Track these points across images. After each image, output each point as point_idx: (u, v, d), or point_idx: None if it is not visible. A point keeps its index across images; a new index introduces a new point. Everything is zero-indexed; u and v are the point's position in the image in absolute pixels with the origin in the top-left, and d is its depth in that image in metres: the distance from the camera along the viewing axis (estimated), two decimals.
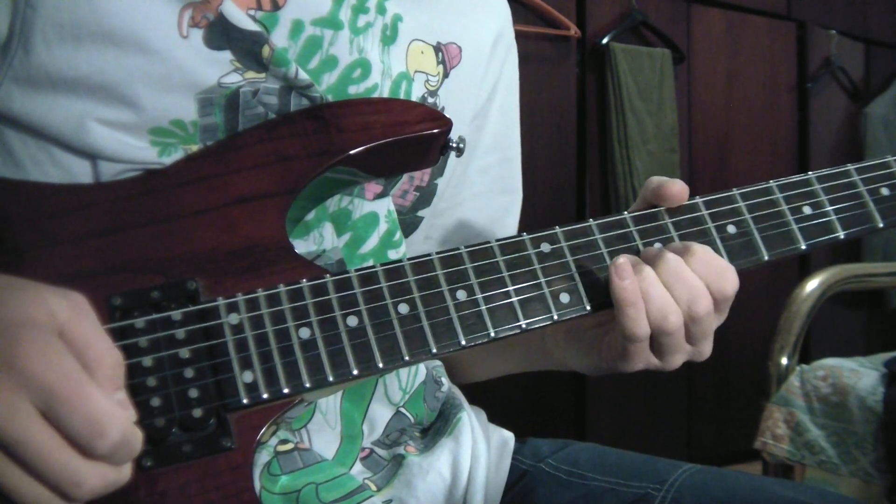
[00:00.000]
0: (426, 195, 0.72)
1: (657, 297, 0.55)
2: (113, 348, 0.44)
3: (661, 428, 2.83)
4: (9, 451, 0.40)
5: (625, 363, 0.58)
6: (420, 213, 0.73)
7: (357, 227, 0.65)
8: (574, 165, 2.63)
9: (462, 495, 0.68)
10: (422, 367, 0.72)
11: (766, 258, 0.60)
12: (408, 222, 0.72)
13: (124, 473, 0.44)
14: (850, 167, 0.64)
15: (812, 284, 1.74)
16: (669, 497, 0.65)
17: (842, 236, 0.62)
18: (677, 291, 0.55)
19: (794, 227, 0.61)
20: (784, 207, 0.61)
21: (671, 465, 0.69)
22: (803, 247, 0.61)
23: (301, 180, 0.56)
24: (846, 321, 3.29)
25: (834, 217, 0.62)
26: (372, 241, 0.66)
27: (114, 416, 0.41)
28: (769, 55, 3.08)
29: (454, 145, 0.61)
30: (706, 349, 0.59)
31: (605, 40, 2.59)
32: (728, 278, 0.57)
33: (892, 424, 1.56)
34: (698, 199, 0.61)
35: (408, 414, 0.70)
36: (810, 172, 0.63)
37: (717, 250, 0.59)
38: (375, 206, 0.66)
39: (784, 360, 1.73)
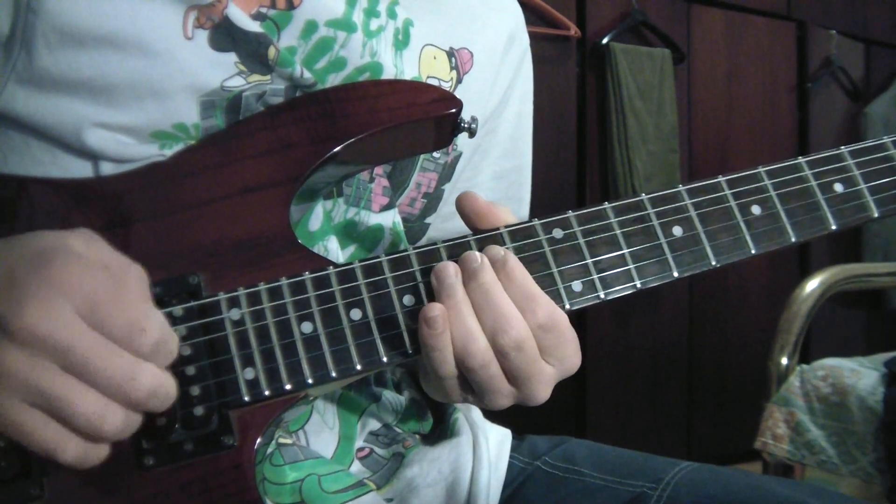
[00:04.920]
0: (434, 201, 0.71)
1: (461, 330, 0.50)
2: (132, 263, 0.46)
3: (661, 428, 2.83)
4: (61, 358, 0.41)
5: (442, 396, 0.54)
6: (428, 220, 0.72)
7: (362, 240, 0.65)
8: (574, 165, 2.63)
9: (465, 495, 0.68)
10: None
11: (794, 240, 0.56)
12: (416, 230, 0.72)
13: (171, 381, 0.45)
14: (887, 139, 0.59)
15: (812, 284, 1.74)
16: (665, 496, 0.65)
17: (876, 215, 0.57)
18: (483, 317, 0.50)
19: (825, 206, 0.57)
20: (813, 184, 0.57)
21: (668, 463, 0.69)
22: (834, 228, 0.57)
23: (305, 168, 0.55)
24: (846, 321, 3.29)
25: (869, 196, 0.58)
26: (377, 254, 0.65)
27: (151, 315, 0.44)
28: (769, 55, 3.08)
29: (466, 125, 0.59)
30: (536, 394, 0.53)
31: (605, 40, 2.59)
32: (536, 309, 0.51)
33: (892, 424, 1.56)
34: (721, 178, 0.57)
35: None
36: (842, 147, 0.59)
37: (740, 233, 0.56)
38: (381, 219, 0.66)
39: (784, 360, 1.73)
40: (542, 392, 0.53)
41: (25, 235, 0.45)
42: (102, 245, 0.46)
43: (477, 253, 0.52)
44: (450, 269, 0.51)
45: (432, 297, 0.52)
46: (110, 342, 0.42)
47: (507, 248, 0.53)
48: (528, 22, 0.80)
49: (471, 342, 0.50)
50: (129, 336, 0.42)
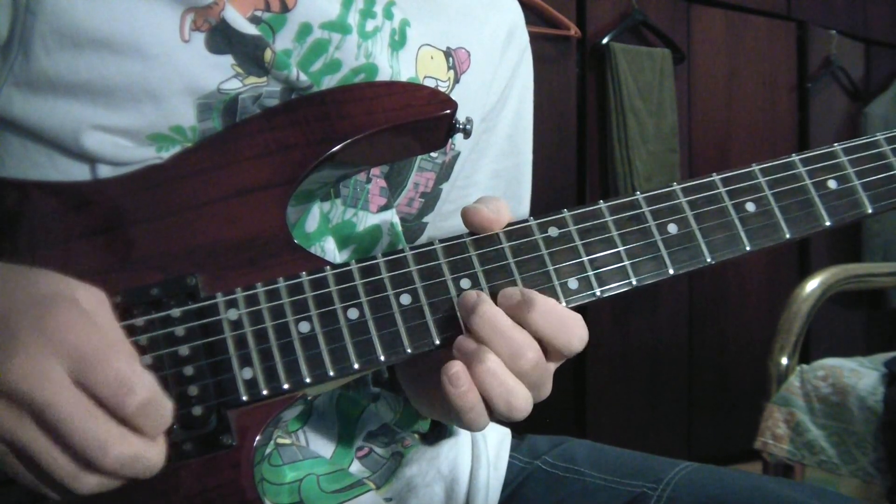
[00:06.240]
0: (432, 200, 0.71)
1: (495, 387, 0.50)
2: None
3: (661, 428, 2.83)
4: (38, 416, 0.41)
5: (458, 424, 0.54)
6: (426, 219, 0.72)
7: (360, 241, 0.65)
8: (574, 165, 2.63)
9: (464, 494, 0.68)
10: None
11: (789, 236, 0.57)
12: (414, 229, 0.72)
13: (156, 452, 0.44)
14: (880, 136, 0.60)
15: (812, 284, 1.74)
16: (665, 496, 0.65)
17: (870, 211, 0.58)
18: (495, 347, 0.50)
19: (819, 203, 0.57)
20: (808, 182, 0.58)
21: (668, 463, 0.69)
22: (828, 224, 0.57)
23: (302, 169, 0.55)
24: (846, 321, 3.29)
25: (862, 193, 0.58)
26: (374, 254, 0.65)
27: (141, 376, 0.43)
28: (769, 55, 3.08)
29: (461, 126, 0.59)
30: (545, 393, 0.54)
31: (605, 40, 2.59)
32: (573, 332, 0.52)
33: (892, 424, 1.56)
34: (715, 176, 0.57)
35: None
36: (836, 144, 0.59)
37: (735, 229, 0.56)
38: (379, 219, 0.66)
39: (784, 360, 1.73)
40: (549, 388, 0.54)
41: (34, 273, 0.45)
42: (107, 305, 0.46)
43: (473, 291, 0.52)
44: (462, 371, 0.50)
45: (429, 297, 0.52)
46: (91, 404, 0.41)
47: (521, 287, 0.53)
48: (528, 22, 0.80)
49: (498, 386, 0.50)
50: (116, 394, 0.41)
